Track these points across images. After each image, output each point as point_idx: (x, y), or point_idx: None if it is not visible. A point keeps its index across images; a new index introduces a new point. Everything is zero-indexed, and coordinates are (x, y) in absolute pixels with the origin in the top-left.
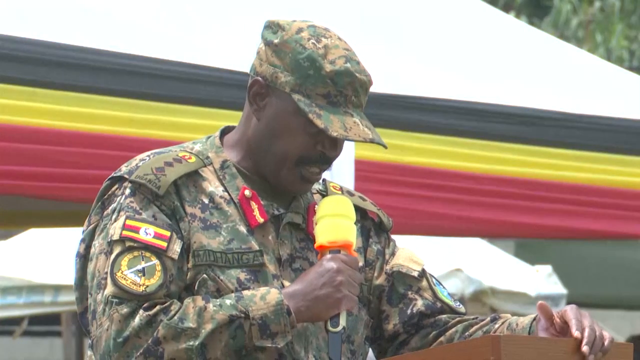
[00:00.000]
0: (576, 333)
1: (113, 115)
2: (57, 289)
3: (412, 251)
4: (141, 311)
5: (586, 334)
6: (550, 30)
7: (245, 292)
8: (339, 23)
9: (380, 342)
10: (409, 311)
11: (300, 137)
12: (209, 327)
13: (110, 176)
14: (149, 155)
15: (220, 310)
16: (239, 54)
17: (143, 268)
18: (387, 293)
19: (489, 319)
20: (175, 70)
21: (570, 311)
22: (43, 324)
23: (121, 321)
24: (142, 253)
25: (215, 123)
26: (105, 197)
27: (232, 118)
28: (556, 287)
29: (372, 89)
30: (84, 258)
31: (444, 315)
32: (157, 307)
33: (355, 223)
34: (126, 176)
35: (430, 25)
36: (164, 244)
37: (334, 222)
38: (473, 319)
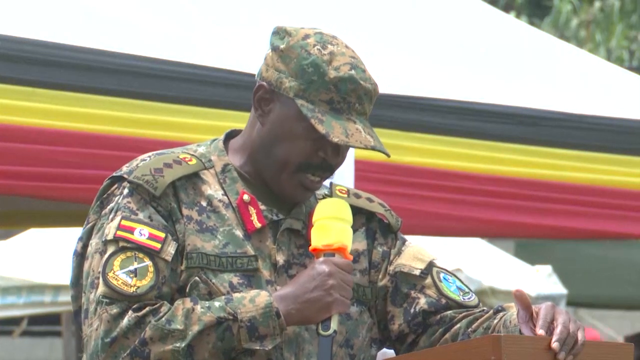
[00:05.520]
0: (540, 331)
1: (113, 115)
2: (57, 289)
3: (421, 248)
4: (130, 312)
5: (558, 330)
6: (551, 30)
7: (235, 295)
8: (338, 24)
9: (390, 343)
10: (412, 310)
11: (302, 142)
12: (195, 328)
13: (110, 175)
14: (150, 156)
15: (208, 312)
16: (239, 54)
17: (135, 269)
18: (391, 294)
19: (491, 311)
20: (175, 70)
21: (544, 309)
22: (43, 324)
23: (110, 321)
24: (135, 254)
25: (215, 123)
26: (105, 196)
27: (232, 118)
28: (556, 287)
29: None
30: (80, 256)
31: (450, 312)
32: (147, 309)
33: (360, 226)
34: (125, 176)
35: (430, 25)
36: (158, 245)
37: (329, 225)
38: (479, 312)
